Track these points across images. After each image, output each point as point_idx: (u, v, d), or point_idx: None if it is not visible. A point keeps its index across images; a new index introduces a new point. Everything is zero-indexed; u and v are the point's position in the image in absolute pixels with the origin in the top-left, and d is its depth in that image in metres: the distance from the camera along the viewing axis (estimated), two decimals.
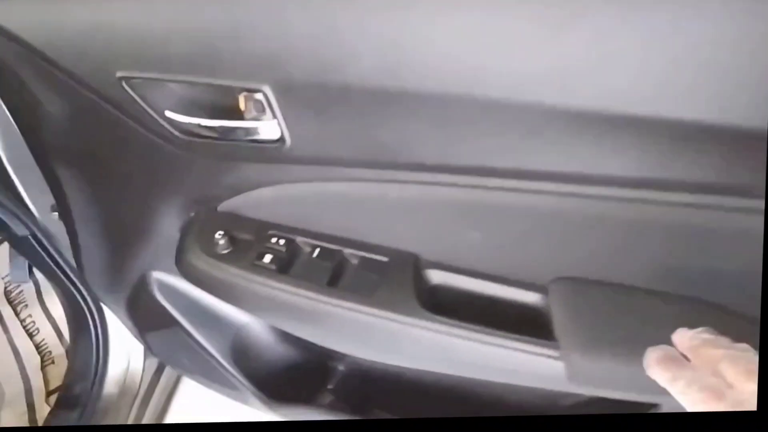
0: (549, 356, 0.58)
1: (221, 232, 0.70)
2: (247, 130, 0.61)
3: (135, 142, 0.69)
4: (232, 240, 0.71)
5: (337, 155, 0.60)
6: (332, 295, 0.66)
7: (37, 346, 1.41)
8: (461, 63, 0.48)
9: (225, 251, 0.71)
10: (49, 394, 1.33)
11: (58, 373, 1.37)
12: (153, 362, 1.28)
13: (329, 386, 0.94)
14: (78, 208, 0.83)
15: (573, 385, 0.59)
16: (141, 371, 1.23)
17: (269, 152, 0.62)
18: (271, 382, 0.93)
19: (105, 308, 1.20)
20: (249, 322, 0.93)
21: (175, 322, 0.92)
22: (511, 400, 0.82)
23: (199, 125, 0.63)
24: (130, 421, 1.20)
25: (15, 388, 1.35)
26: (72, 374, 1.21)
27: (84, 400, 1.17)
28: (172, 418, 1.29)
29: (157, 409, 1.28)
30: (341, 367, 0.95)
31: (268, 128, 0.60)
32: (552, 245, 0.60)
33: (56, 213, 1.05)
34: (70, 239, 0.90)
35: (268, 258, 0.69)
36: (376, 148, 0.57)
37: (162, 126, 0.65)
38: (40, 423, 1.27)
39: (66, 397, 1.19)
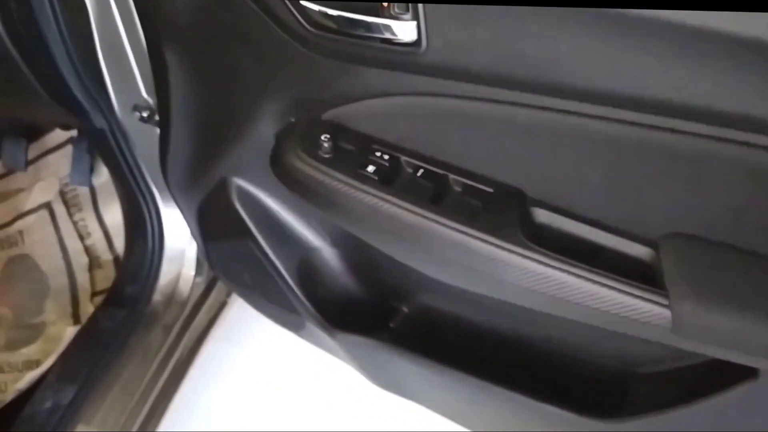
0: (656, 303, 0.57)
1: (327, 136, 0.70)
2: (383, 28, 0.60)
3: (258, 34, 0.68)
4: (335, 147, 0.70)
5: (472, 67, 0.59)
6: (434, 212, 0.65)
7: (86, 249, 1.43)
8: None
9: (327, 155, 0.70)
10: (93, 295, 1.35)
11: (104, 277, 1.38)
12: (202, 280, 1.28)
13: (391, 324, 0.93)
14: (179, 99, 0.83)
15: (676, 338, 0.57)
16: (191, 284, 1.24)
17: (398, 57, 0.61)
18: (333, 309, 0.93)
19: (163, 214, 1.20)
20: (321, 246, 0.92)
21: (246, 232, 0.92)
22: (583, 361, 0.81)
23: (335, 18, 0.62)
24: (172, 337, 1.21)
25: (60, 282, 1.37)
26: (124, 274, 1.23)
27: (133, 301, 1.18)
28: (213, 340, 1.31)
29: (198, 330, 1.29)
30: (405, 309, 0.94)
31: (405, 29, 0.59)
32: (676, 195, 0.58)
33: (137, 113, 1.06)
34: (161, 132, 0.90)
35: (371, 168, 0.69)
36: (520, 63, 0.56)
37: (292, 18, 0.64)
38: (83, 319, 1.29)
39: (115, 295, 1.20)
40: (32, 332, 1.25)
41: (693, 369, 0.74)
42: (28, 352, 1.22)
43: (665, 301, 0.57)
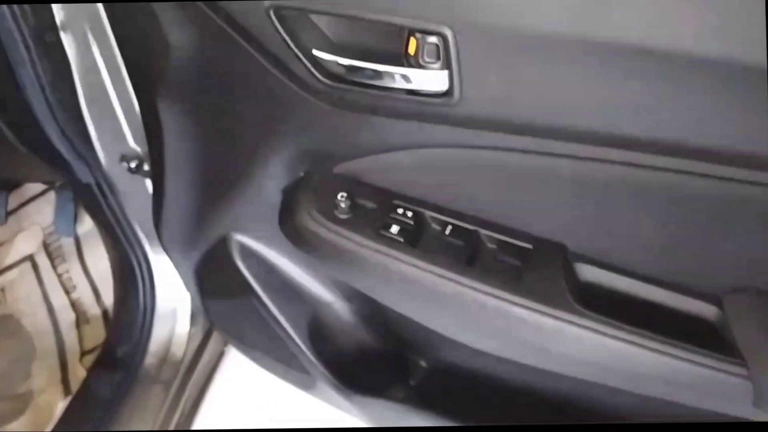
0: (731, 373, 0.51)
1: (344, 194, 0.63)
2: (408, 79, 0.54)
3: (263, 86, 0.62)
4: (353, 205, 0.63)
5: (512, 117, 0.52)
6: (471, 276, 0.58)
7: (73, 303, 1.34)
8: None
9: (345, 216, 0.64)
10: (83, 354, 1.26)
11: (92, 334, 1.30)
12: (198, 330, 1.20)
13: (411, 381, 0.86)
14: (174, 154, 0.76)
15: (757, 411, 0.51)
16: (186, 338, 1.16)
17: (426, 108, 0.55)
18: (347, 369, 0.85)
19: (154, 268, 1.13)
20: (332, 301, 0.85)
21: (249, 291, 0.84)
22: (624, 420, 0.74)
23: (351, 68, 0.55)
24: (172, 393, 1.13)
25: (47, 343, 1.28)
26: (114, 334, 1.14)
27: (126, 363, 1.10)
28: (215, 392, 1.22)
29: (200, 383, 1.20)
30: (425, 363, 0.87)
31: (435, 79, 0.53)
32: (739, 247, 0.52)
33: (125, 163, 0.99)
34: (154, 188, 0.83)
35: (395, 228, 0.62)
36: (568, 112, 0.50)
37: (303, 68, 0.57)
38: (74, 384, 1.20)
39: (107, 358, 1.12)
40: (19, 403, 1.16)
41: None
42: (16, 426, 1.12)
43: (743, 371, 0.51)
